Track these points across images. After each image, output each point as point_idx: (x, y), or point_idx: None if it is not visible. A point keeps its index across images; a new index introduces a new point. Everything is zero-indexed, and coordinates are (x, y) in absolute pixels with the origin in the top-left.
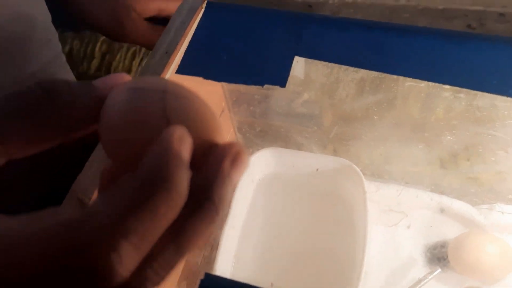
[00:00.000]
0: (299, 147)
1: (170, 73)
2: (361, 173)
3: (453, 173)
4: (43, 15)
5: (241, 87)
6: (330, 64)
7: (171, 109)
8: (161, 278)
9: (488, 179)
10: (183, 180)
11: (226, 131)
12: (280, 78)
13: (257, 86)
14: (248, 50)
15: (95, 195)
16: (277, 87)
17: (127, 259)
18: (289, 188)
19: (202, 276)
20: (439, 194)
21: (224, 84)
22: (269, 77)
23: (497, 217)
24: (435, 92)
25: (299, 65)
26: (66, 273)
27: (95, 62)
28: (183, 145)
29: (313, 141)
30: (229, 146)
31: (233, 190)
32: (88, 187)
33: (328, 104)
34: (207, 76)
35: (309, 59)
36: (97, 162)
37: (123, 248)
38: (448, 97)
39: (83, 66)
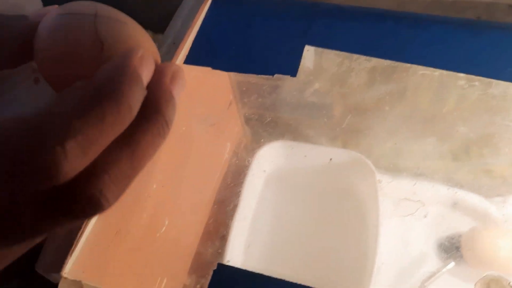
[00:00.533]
0: (308, 139)
1: (179, 63)
2: (372, 165)
3: (466, 166)
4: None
5: (250, 78)
6: (340, 53)
7: (103, 32)
8: (119, 189)
9: (502, 172)
10: (135, 96)
11: (233, 124)
12: (291, 67)
13: (266, 77)
14: (257, 40)
15: None
16: (287, 77)
17: (72, 156)
18: (299, 182)
19: (214, 267)
20: (452, 187)
21: (232, 75)
22: (279, 67)
23: (511, 209)
24: (449, 81)
25: (309, 55)
26: (19, 171)
27: None
28: (143, 65)
29: (323, 134)
30: (167, 65)
31: (174, 108)
32: None
33: (338, 94)
34: (215, 66)
35: (319, 49)
36: None
37: (69, 145)
38: (462, 86)
39: None
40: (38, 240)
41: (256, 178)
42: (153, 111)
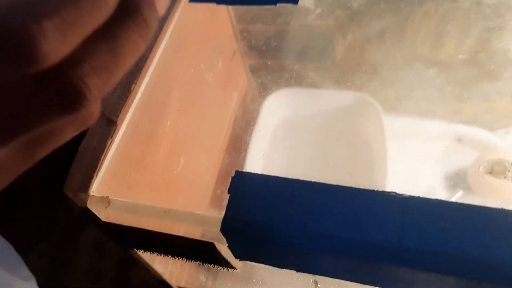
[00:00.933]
0: (313, 85)
1: (184, 1)
2: (378, 106)
3: (468, 104)
4: None
5: (253, 27)
6: None
7: None
8: (100, 80)
9: (503, 106)
10: None
11: (238, 74)
12: None
13: (268, 24)
14: None
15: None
16: (291, 22)
17: (50, 36)
18: (308, 127)
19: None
20: (456, 123)
21: (235, 24)
22: None
23: None
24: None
25: None
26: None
27: None
28: None
29: (328, 77)
30: None
31: (156, 15)
32: (114, 105)
33: (340, 32)
34: (219, 1)
35: None
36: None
37: (45, 23)
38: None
39: None
40: (34, 148)
41: (265, 127)
42: (133, 9)
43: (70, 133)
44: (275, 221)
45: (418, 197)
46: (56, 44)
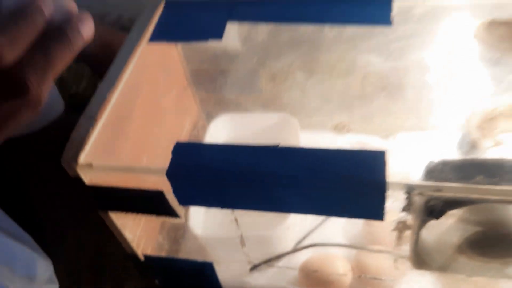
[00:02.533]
0: (247, 110)
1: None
2: (296, 122)
3: (374, 118)
4: None
5: (201, 66)
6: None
7: None
8: (39, 77)
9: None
10: (45, 11)
11: (189, 106)
12: (217, 33)
13: (214, 64)
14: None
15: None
16: (232, 65)
17: (4, 47)
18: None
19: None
20: (361, 134)
21: (185, 64)
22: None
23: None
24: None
25: (234, 34)
26: None
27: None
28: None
29: (257, 104)
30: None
31: (80, 37)
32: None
33: (264, 68)
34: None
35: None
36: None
37: (1, 39)
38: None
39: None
40: None
41: None
42: (61, 31)
43: (26, 114)
44: (208, 164)
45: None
46: (8, 51)
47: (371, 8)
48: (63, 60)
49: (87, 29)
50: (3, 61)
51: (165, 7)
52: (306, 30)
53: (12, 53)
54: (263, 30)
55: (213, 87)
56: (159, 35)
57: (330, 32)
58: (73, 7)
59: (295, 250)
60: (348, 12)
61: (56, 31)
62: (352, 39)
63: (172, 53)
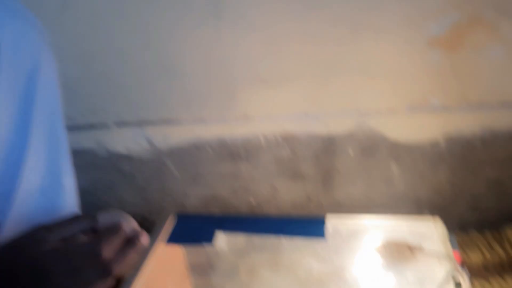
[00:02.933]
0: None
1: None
2: None
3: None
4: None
5: (193, 262)
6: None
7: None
8: (119, 268)
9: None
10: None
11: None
12: (208, 238)
13: (203, 258)
14: (193, 230)
15: None
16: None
17: (108, 256)
18: None
19: None
20: None
21: (185, 260)
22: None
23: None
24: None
25: (222, 239)
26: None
27: None
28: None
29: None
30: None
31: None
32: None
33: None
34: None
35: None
36: None
37: (104, 253)
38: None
39: None
40: None
41: None
42: (133, 240)
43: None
44: None
45: None
46: (106, 252)
47: (311, 226)
48: (133, 257)
49: (146, 240)
50: (102, 257)
51: (177, 220)
52: (269, 239)
53: (108, 253)
54: (241, 238)
55: (210, 279)
56: (173, 239)
57: (285, 240)
58: (136, 226)
59: None
60: (296, 229)
61: (130, 240)
62: (302, 246)
63: (177, 251)
